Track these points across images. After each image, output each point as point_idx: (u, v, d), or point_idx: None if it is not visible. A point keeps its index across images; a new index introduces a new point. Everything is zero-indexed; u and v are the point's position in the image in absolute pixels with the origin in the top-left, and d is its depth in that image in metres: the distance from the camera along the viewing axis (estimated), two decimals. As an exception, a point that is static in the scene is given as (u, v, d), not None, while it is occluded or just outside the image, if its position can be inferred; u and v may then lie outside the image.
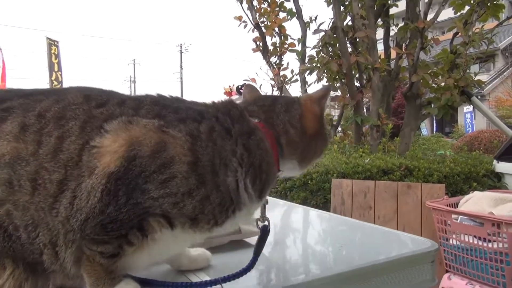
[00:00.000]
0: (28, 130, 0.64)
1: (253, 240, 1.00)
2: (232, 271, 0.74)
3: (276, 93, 4.71)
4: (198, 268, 0.82)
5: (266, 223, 0.78)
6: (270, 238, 1.04)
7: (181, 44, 37.07)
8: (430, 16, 4.00)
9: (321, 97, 0.81)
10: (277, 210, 1.41)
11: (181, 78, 36.19)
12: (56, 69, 11.44)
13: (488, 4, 3.79)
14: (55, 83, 11.35)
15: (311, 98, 0.81)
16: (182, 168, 0.63)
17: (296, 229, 1.26)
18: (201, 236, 0.69)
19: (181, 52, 36.45)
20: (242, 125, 0.71)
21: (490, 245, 1.95)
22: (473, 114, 14.80)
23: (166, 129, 0.64)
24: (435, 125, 18.87)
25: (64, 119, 0.65)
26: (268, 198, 0.83)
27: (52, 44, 11.48)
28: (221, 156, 0.66)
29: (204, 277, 0.78)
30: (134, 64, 40.10)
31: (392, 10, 4.63)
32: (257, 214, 0.80)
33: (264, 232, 0.78)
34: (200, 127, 0.66)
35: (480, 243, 1.99)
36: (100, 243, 0.63)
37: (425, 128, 15.71)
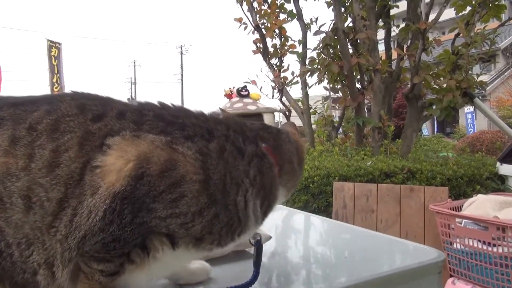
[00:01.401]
0: (19, 143, 0.60)
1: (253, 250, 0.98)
2: (232, 283, 0.72)
3: (276, 95, 4.69)
4: (197, 281, 0.80)
5: (258, 238, 0.77)
6: (271, 248, 1.02)
7: (181, 45, 37.09)
8: (431, 17, 3.98)
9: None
10: (277, 216, 1.38)
11: (182, 80, 36.22)
12: (56, 71, 11.42)
13: (490, 5, 3.76)
14: (56, 85, 11.33)
15: (295, 132, 0.84)
16: (194, 187, 0.60)
17: (298, 238, 1.24)
18: (202, 254, 0.67)
19: (182, 54, 36.50)
20: (256, 148, 0.70)
21: (495, 249, 1.92)
22: (474, 114, 14.77)
23: (175, 146, 0.62)
24: (436, 125, 18.85)
25: (58, 131, 0.61)
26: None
27: (52, 46, 11.45)
28: (232, 175, 0.64)
29: (203, 290, 0.75)
30: (134, 66, 40.12)
31: (393, 11, 4.61)
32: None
33: (259, 247, 0.77)
34: (209, 145, 0.64)
35: (484, 247, 1.97)
36: (101, 261, 0.60)
37: (426, 128, 15.69)
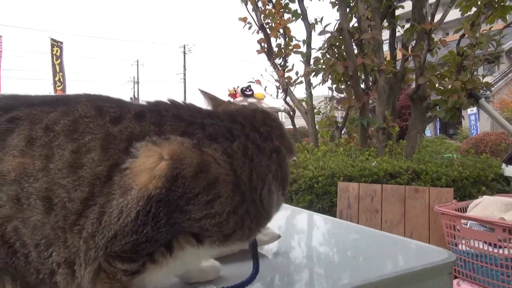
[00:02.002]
0: (35, 143, 0.60)
1: (262, 249, 0.97)
2: (239, 280, 0.72)
3: (281, 94, 4.69)
4: (208, 279, 0.80)
5: None
6: (275, 248, 1.02)
7: (184, 45, 37.09)
8: (436, 18, 3.96)
9: None
10: (281, 215, 1.37)
11: (184, 79, 36.21)
12: (58, 70, 11.44)
13: (495, 6, 3.75)
14: (58, 83, 11.36)
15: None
16: (228, 187, 0.61)
17: (302, 237, 1.23)
18: (221, 251, 0.68)
19: (185, 53, 36.50)
20: (272, 143, 0.72)
21: (500, 251, 1.91)
22: (477, 116, 14.72)
23: (204, 148, 0.62)
24: (438, 127, 18.78)
25: (77, 132, 0.61)
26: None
27: (54, 45, 11.48)
28: (257, 172, 0.66)
29: (213, 289, 0.75)
30: (137, 65, 40.11)
31: (398, 12, 4.60)
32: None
33: (254, 243, 0.78)
34: (233, 145, 0.65)
35: (490, 249, 1.96)
36: (126, 261, 0.60)
37: (429, 130, 15.64)
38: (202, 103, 0.82)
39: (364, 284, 0.77)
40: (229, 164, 0.62)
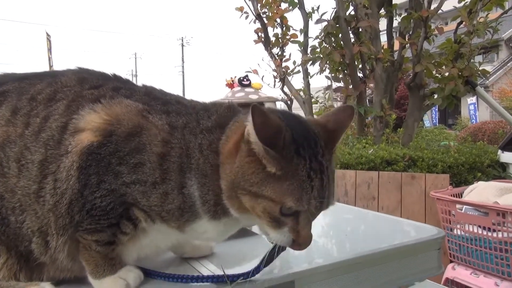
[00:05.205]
0: (19, 113, 0.64)
1: (256, 228, 0.99)
2: (235, 260, 0.73)
3: (278, 84, 4.68)
4: (201, 255, 0.82)
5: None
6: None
7: (182, 37, 36.89)
8: (433, 6, 3.95)
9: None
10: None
11: (183, 72, 36.10)
12: (51, 63, 11.46)
13: (493, -7, 3.73)
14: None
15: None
16: (153, 158, 0.62)
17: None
18: (182, 234, 0.67)
19: (183, 46, 36.32)
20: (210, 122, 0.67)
21: (494, 234, 1.94)
22: (476, 105, 14.70)
23: (148, 115, 0.64)
24: (437, 117, 18.76)
25: (53, 100, 0.65)
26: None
27: (48, 38, 11.49)
28: (187, 155, 0.63)
29: (207, 264, 0.77)
30: (135, 58, 39.96)
31: (396, 0, 4.57)
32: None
33: (279, 249, 0.69)
34: (179, 121, 0.65)
35: (484, 232, 1.98)
36: (94, 232, 0.63)
37: (427, 120, 15.63)
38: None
39: (356, 258, 0.79)
40: (168, 135, 0.63)
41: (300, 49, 4.65)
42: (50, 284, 0.64)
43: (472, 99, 14.10)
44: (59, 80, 0.68)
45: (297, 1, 4.64)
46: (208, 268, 0.75)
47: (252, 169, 0.58)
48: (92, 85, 0.68)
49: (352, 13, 4.02)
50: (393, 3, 4.47)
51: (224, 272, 0.67)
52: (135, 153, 0.61)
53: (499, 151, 3.22)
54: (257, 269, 0.68)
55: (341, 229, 1.06)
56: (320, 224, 1.18)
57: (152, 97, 0.69)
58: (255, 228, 0.96)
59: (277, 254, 0.68)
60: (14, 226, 0.62)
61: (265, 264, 0.68)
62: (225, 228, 0.68)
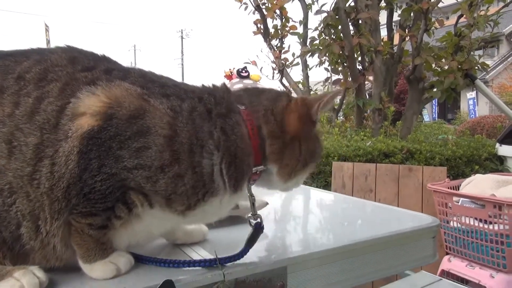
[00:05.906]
0: (6, 92, 0.62)
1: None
2: (228, 246, 0.73)
3: (277, 75, 4.66)
4: (193, 241, 0.81)
5: (258, 220, 0.74)
6: (273, 215, 1.03)
7: (182, 29, 36.73)
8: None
9: (316, 100, 0.75)
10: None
11: (182, 64, 35.99)
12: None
13: (494, -15, 3.70)
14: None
15: (304, 99, 0.77)
16: (158, 141, 0.61)
17: (298, 207, 1.25)
18: (182, 218, 0.67)
19: (182, 38, 36.16)
20: (221, 107, 0.68)
21: (491, 227, 1.94)
22: (475, 100, 14.68)
23: (149, 98, 0.63)
24: (436, 111, 18.74)
25: (45, 80, 0.63)
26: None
27: (47, 30, 11.48)
28: (198, 137, 0.64)
29: (199, 250, 0.77)
30: (135, 50, 39.87)
31: (396, -8, 4.53)
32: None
33: (257, 229, 0.74)
34: (182, 105, 0.65)
35: (481, 225, 1.98)
36: (88, 216, 0.62)
37: (427, 114, 15.61)
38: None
39: (352, 244, 0.79)
40: (172, 119, 0.62)
41: (299, 41, 4.63)
42: (39, 267, 0.63)
43: (471, 94, 14.08)
44: (48, 58, 0.66)
45: (297, -8, 4.60)
46: (199, 254, 0.74)
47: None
48: (84, 66, 0.66)
49: (352, 4, 3.99)
50: (393, -5, 4.43)
51: (216, 255, 0.67)
52: (138, 137, 0.60)
53: (497, 144, 3.22)
54: (245, 251, 0.70)
55: (337, 218, 1.06)
56: (316, 213, 1.18)
57: (148, 80, 0.68)
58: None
59: (258, 235, 0.72)
60: (0, 209, 0.61)
61: (251, 246, 0.71)
62: (230, 204, 0.72)
